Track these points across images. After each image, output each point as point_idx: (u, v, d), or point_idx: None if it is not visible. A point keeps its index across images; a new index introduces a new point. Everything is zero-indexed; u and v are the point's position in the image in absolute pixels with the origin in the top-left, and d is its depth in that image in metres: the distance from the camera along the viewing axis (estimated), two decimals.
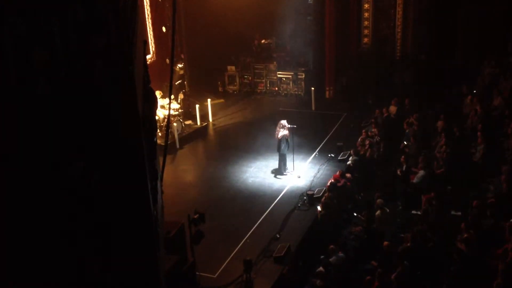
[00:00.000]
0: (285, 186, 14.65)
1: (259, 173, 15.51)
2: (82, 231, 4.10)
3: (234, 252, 11.76)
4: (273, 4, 20.48)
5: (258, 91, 22.43)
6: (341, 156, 15.89)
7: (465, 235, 10.45)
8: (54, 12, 3.78)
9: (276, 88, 22.16)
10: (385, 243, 10.87)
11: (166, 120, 16.35)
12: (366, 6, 21.33)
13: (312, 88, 20.42)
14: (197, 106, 19.04)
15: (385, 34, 21.66)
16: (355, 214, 13.07)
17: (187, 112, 19.07)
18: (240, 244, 12.06)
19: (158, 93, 15.73)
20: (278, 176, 15.15)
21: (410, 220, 12.67)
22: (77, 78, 3.89)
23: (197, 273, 10.16)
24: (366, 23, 21.55)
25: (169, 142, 14.00)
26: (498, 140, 14.50)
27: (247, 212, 13.42)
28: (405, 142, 15.36)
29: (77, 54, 3.89)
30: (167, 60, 18.17)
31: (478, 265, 10.12)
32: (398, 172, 14.13)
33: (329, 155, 16.20)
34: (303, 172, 15.29)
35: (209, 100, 19.75)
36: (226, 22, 21.30)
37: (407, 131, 15.83)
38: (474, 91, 17.58)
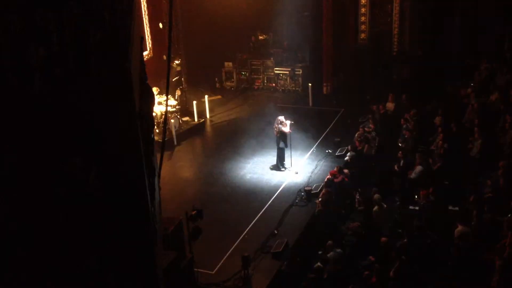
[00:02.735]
0: (283, 182, 14.66)
1: (256, 169, 15.52)
2: (79, 228, 4.10)
3: (232, 248, 11.77)
4: None
5: (256, 87, 22.44)
6: (339, 152, 15.90)
7: (462, 230, 10.48)
8: (50, 8, 3.76)
9: (274, 84, 22.19)
10: (383, 238, 10.88)
11: (163, 116, 16.36)
12: (363, 1, 21.31)
13: (310, 84, 20.42)
14: (194, 102, 19.03)
15: (382, 30, 21.65)
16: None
17: (184, 109, 19.06)
18: (238, 240, 12.07)
19: (155, 90, 15.72)
20: (276, 172, 15.16)
21: (407, 215, 12.67)
22: (72, 74, 3.88)
23: (195, 269, 10.17)
24: (363, 18, 21.54)
25: (166, 139, 14.06)
26: (495, 135, 14.52)
27: (245, 208, 13.43)
28: (399, 143, 15.34)
29: (73, 50, 3.87)
30: (164, 57, 18.14)
31: (476, 260, 10.15)
32: (396, 168, 14.14)
33: (327, 151, 16.22)
34: (300, 168, 15.30)
35: (206, 96, 19.73)
36: (223, 18, 21.28)
37: (404, 126, 15.84)
38: (472, 84, 17.61)
